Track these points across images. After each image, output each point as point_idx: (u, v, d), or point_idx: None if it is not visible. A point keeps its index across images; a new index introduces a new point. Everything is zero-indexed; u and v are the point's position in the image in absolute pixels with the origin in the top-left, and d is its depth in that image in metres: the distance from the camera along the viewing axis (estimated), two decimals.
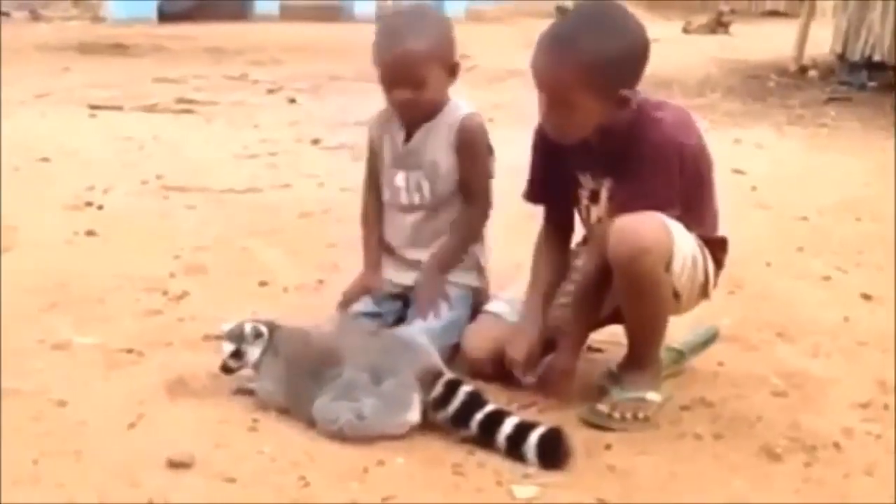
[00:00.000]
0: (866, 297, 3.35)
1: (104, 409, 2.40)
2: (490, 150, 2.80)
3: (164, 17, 14.37)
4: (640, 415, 2.39)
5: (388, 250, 2.87)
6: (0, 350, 2.68)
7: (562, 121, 2.39)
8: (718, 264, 2.52)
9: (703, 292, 2.49)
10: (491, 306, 2.70)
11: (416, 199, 2.79)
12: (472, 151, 2.75)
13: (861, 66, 9.03)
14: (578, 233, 2.69)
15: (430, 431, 2.28)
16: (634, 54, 2.35)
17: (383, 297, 2.83)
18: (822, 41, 9.76)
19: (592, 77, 2.29)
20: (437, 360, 2.37)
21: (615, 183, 2.43)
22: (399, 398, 2.26)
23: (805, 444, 2.30)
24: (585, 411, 2.40)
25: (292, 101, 7.66)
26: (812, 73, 9.54)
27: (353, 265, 2.97)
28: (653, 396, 2.43)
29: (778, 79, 9.36)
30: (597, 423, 2.37)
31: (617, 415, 2.38)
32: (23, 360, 2.66)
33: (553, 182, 2.57)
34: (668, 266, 2.30)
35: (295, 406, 2.36)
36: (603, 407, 2.40)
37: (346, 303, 2.83)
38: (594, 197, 2.50)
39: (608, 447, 2.27)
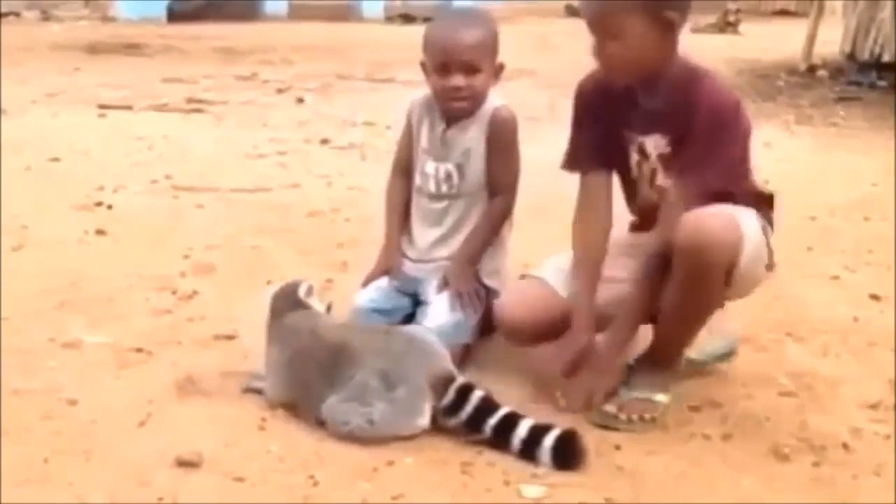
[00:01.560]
0: (875, 297, 3.35)
1: (114, 407, 2.41)
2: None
3: (174, 16, 14.41)
4: (647, 416, 2.39)
5: (409, 237, 2.90)
6: (9, 349, 2.70)
7: (612, 53, 2.39)
8: (771, 224, 2.52)
9: (769, 268, 2.48)
10: (533, 271, 2.68)
11: (445, 189, 2.83)
12: (503, 143, 2.79)
13: (870, 65, 9.01)
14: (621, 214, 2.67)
15: (439, 432, 2.28)
16: None
17: (394, 290, 2.85)
18: (832, 40, 9.73)
19: None
20: (449, 364, 2.37)
21: (672, 141, 2.43)
22: (410, 405, 2.26)
23: (814, 444, 2.30)
24: (593, 412, 2.40)
25: (301, 100, 7.67)
26: (821, 72, 9.52)
27: (362, 264, 2.97)
28: (660, 398, 2.43)
29: (787, 78, 9.33)
30: (604, 424, 2.37)
31: (623, 416, 2.38)
32: (33, 359, 2.67)
33: (597, 145, 2.56)
34: (733, 266, 2.29)
35: (302, 400, 2.36)
36: (610, 408, 2.40)
37: (366, 282, 2.87)
38: (643, 151, 2.50)
39: (617, 447, 2.27)
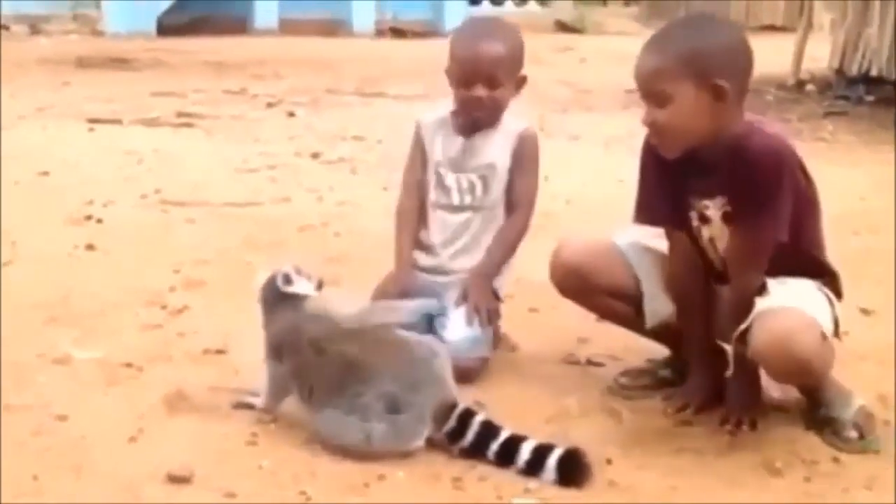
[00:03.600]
0: (865, 311, 3.35)
1: (104, 423, 2.40)
2: None
3: (164, 30, 14.40)
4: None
5: (424, 247, 2.89)
6: (0, 364, 2.68)
7: (662, 120, 2.34)
8: (838, 296, 2.49)
9: (836, 337, 2.46)
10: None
11: (468, 200, 2.84)
12: (529, 161, 2.83)
13: (858, 80, 9.04)
14: None
15: (431, 446, 2.27)
16: (728, 46, 2.36)
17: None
18: (820, 55, 9.78)
19: (684, 62, 2.30)
20: (454, 392, 2.34)
21: (730, 201, 2.40)
22: (410, 430, 2.26)
23: (805, 458, 2.31)
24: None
25: (292, 114, 7.67)
26: (810, 87, 9.56)
27: (353, 279, 2.97)
28: (859, 401, 2.46)
29: (776, 93, 9.37)
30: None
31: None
32: (23, 375, 2.66)
33: (665, 201, 2.50)
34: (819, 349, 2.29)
35: (303, 402, 2.35)
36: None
37: (376, 297, 2.83)
38: (704, 218, 2.47)
39: (609, 462, 2.26)
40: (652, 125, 2.39)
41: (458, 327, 2.71)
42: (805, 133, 7.42)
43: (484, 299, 2.76)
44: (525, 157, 2.82)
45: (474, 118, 2.81)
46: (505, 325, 2.95)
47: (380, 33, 15.55)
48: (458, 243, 2.86)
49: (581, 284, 2.60)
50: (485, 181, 2.82)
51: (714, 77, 2.30)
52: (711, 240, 2.48)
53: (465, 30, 2.90)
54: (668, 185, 2.48)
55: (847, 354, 2.95)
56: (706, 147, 2.37)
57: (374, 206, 2.98)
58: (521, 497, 2.10)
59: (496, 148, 2.82)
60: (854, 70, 9.06)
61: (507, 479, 2.16)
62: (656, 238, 2.61)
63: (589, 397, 2.60)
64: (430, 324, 2.74)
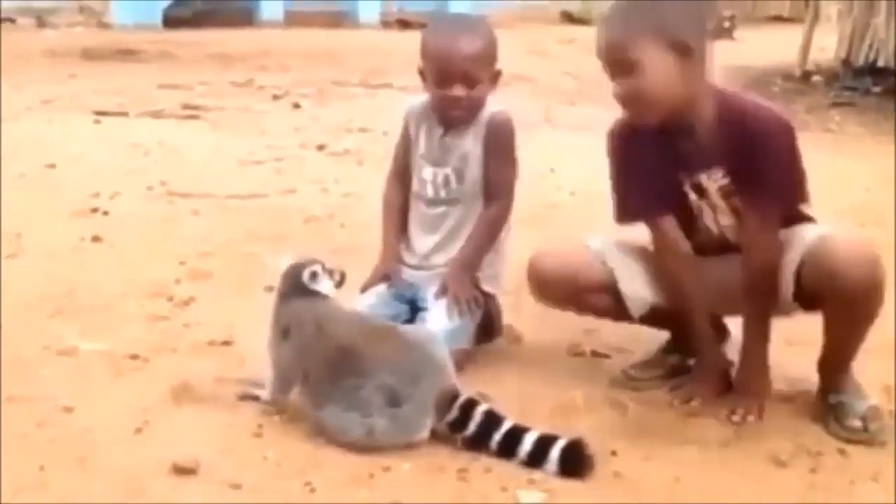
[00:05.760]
0: None
1: (110, 415, 2.40)
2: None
3: (170, 22, 14.40)
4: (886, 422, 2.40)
5: (406, 243, 2.90)
6: (5, 357, 2.69)
7: (633, 89, 2.33)
8: None
9: None
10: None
11: (443, 194, 2.83)
12: (500, 147, 2.79)
13: (865, 71, 9.02)
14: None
15: (436, 438, 2.27)
16: (687, 6, 2.35)
17: (392, 296, 2.85)
18: (827, 46, 9.75)
19: (645, 25, 2.29)
20: (454, 380, 2.34)
21: (728, 172, 2.39)
22: (412, 423, 2.26)
23: (811, 450, 2.31)
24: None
25: (297, 106, 7.67)
26: (816, 78, 9.53)
27: (358, 271, 2.97)
28: (873, 400, 2.45)
29: (782, 84, 9.35)
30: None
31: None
32: (29, 367, 2.67)
33: (652, 190, 2.48)
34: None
35: (303, 391, 2.35)
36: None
37: (364, 288, 2.86)
38: (699, 190, 2.46)
39: (614, 453, 2.26)
40: (624, 96, 2.36)
41: (437, 320, 2.70)
42: (812, 124, 7.40)
43: (463, 290, 2.75)
44: (497, 143, 2.78)
45: (453, 117, 2.78)
46: (509, 317, 2.95)
47: (385, 25, 15.53)
48: (435, 237, 2.85)
49: (561, 290, 2.60)
50: (458, 173, 2.80)
51: (677, 35, 2.29)
52: (712, 210, 2.47)
53: (436, 28, 2.84)
54: (651, 170, 2.46)
55: None
56: (689, 115, 2.36)
57: (380, 199, 2.97)
58: (525, 489, 2.10)
59: (469, 139, 2.79)
60: (861, 61, 9.04)
61: (511, 472, 2.16)
62: (627, 235, 2.62)
63: (594, 389, 2.60)
64: (412, 318, 2.78)
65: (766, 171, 2.33)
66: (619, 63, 2.32)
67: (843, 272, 2.23)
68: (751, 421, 2.41)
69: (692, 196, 2.47)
